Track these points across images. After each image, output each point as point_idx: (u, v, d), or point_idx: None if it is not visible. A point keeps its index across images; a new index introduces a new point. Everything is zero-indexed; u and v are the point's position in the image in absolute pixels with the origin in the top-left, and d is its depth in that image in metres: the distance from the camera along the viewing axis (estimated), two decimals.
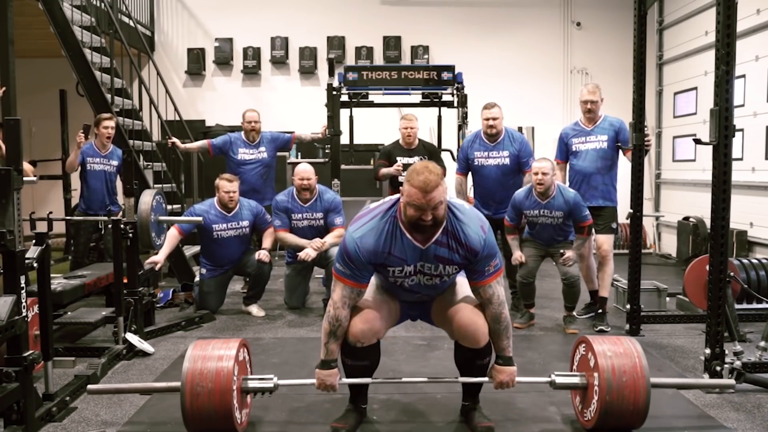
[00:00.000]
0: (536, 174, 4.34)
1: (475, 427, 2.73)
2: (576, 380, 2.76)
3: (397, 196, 2.57)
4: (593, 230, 4.59)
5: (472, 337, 2.64)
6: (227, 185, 4.85)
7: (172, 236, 4.72)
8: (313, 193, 4.94)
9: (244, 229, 4.94)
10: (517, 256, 4.51)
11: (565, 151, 4.77)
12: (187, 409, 2.57)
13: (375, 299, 2.72)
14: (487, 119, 4.81)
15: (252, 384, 2.75)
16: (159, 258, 4.56)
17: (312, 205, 4.94)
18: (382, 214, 2.55)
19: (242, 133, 5.55)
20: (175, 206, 6.54)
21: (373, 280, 2.77)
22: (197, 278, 5.13)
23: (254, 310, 4.91)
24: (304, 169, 4.95)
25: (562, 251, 4.39)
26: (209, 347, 2.68)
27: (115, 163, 5.46)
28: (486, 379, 2.72)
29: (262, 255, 4.84)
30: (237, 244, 4.93)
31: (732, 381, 2.97)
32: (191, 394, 2.55)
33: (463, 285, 2.75)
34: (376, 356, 2.78)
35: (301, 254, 4.76)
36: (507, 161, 4.81)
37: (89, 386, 2.83)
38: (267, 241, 4.99)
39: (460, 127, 6.17)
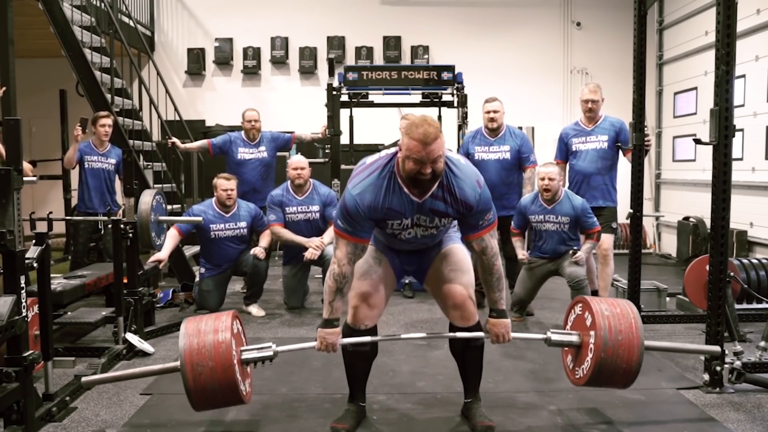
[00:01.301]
0: (542, 179, 4.35)
1: (476, 426, 2.73)
2: (572, 338, 2.79)
3: (393, 150, 2.59)
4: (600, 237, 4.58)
5: (462, 315, 2.71)
6: (225, 183, 4.87)
7: (172, 236, 4.76)
8: (307, 185, 4.96)
9: (242, 230, 4.94)
10: (521, 255, 4.52)
11: (564, 151, 4.77)
12: (191, 388, 2.53)
13: (373, 277, 2.72)
14: (488, 112, 4.82)
15: (251, 355, 2.70)
16: (162, 255, 4.61)
17: (307, 198, 4.96)
18: (380, 170, 2.55)
19: (242, 132, 5.56)
20: (175, 206, 6.54)
21: (371, 245, 2.78)
22: (197, 278, 5.14)
23: (254, 310, 4.91)
24: (298, 160, 5.01)
25: (573, 250, 4.38)
26: (202, 323, 2.64)
27: (113, 161, 5.44)
28: (482, 334, 2.73)
29: (257, 251, 4.85)
30: (235, 244, 4.94)
31: (717, 348, 2.98)
32: (193, 374, 2.51)
33: (457, 254, 2.77)
34: (375, 343, 2.81)
35: (307, 254, 4.78)
36: (508, 156, 4.82)
37: (83, 379, 2.78)
38: (264, 240, 4.99)
39: (460, 127, 6.17)
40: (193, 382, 2.52)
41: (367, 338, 2.71)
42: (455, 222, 2.83)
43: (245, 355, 2.69)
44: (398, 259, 2.84)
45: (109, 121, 5.36)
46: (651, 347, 2.80)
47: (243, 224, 4.94)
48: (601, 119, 4.66)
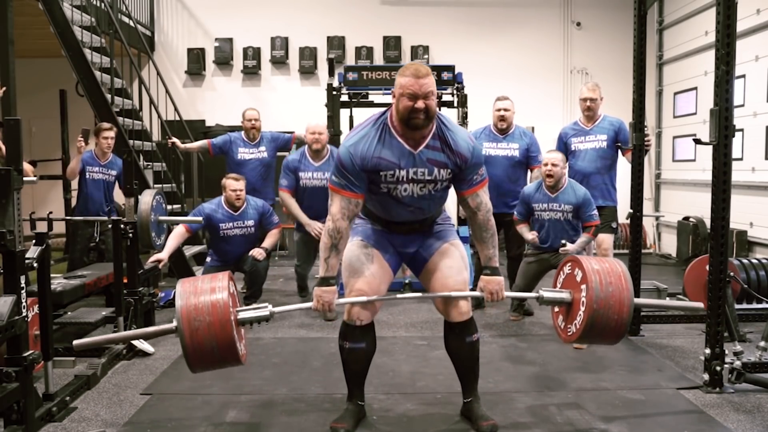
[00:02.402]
0: (546, 165, 4.33)
1: (480, 426, 2.73)
2: (563, 295, 2.77)
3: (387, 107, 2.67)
4: (597, 233, 4.55)
5: (458, 312, 2.70)
6: (234, 184, 4.88)
7: (179, 234, 4.76)
8: (324, 150, 4.95)
9: (250, 229, 4.96)
10: (531, 236, 4.44)
11: (563, 151, 4.77)
12: (188, 346, 2.48)
13: (366, 274, 2.70)
14: (499, 110, 4.84)
15: (247, 314, 2.65)
16: (163, 256, 4.60)
17: (325, 164, 4.93)
18: (373, 122, 2.63)
19: (242, 132, 5.56)
20: (175, 206, 6.54)
21: (361, 241, 2.76)
22: (203, 269, 5.13)
23: None
24: (316, 124, 4.97)
25: (563, 241, 4.32)
26: (198, 282, 2.61)
27: (114, 172, 5.44)
28: (479, 293, 2.72)
29: (256, 253, 4.86)
30: (243, 242, 4.95)
31: (700, 304, 3.00)
32: (190, 329, 2.46)
33: (456, 252, 2.78)
34: (373, 340, 2.79)
35: (313, 233, 4.81)
36: (516, 153, 4.84)
37: (75, 342, 2.70)
38: (268, 241, 5.00)
39: None
40: (190, 339, 2.46)
41: (363, 298, 2.68)
42: (453, 220, 2.82)
43: (242, 315, 2.64)
44: (393, 246, 2.80)
45: (111, 133, 5.38)
46: (640, 304, 2.80)
47: (251, 222, 4.95)
48: (600, 118, 4.66)
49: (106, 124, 5.44)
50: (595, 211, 4.37)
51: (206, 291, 2.53)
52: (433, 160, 2.60)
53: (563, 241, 4.32)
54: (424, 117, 2.51)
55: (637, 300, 2.71)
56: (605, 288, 2.61)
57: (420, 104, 2.48)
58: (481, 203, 2.68)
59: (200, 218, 4.78)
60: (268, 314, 2.64)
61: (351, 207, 2.63)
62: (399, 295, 3.02)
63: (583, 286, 2.66)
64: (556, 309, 2.88)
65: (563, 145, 4.78)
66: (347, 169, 2.58)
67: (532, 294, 2.86)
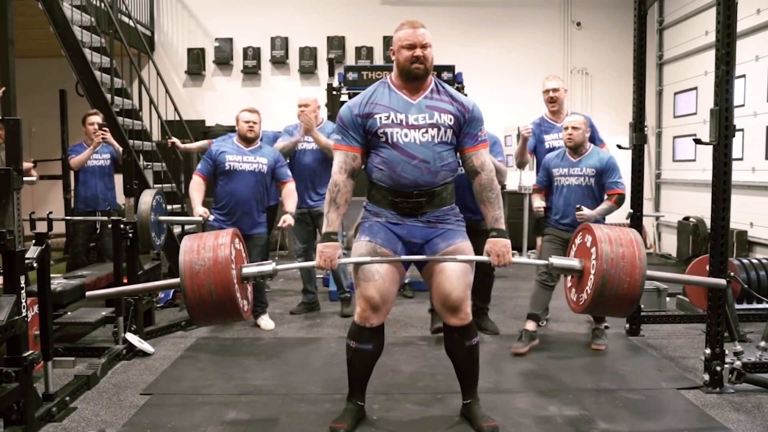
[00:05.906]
0: (566, 128, 4.07)
1: (481, 427, 2.72)
2: (573, 263, 2.71)
3: None
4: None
5: (457, 316, 2.68)
6: (247, 115, 4.39)
7: (197, 184, 4.36)
8: (319, 119, 4.85)
9: (262, 167, 4.38)
10: (537, 204, 4.22)
11: (533, 149, 4.56)
12: (190, 299, 2.49)
13: (376, 278, 2.67)
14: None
15: (251, 269, 2.66)
16: (202, 210, 4.26)
17: (320, 129, 4.75)
18: (374, 85, 2.79)
19: None
20: (175, 206, 6.54)
21: (369, 242, 2.71)
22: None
23: (263, 322, 4.55)
24: (306, 96, 4.82)
25: (578, 206, 3.97)
26: (201, 239, 2.60)
27: (107, 156, 5.50)
28: (487, 258, 2.67)
29: (285, 223, 4.28)
30: (252, 182, 4.37)
31: (723, 281, 2.92)
32: (191, 283, 2.47)
33: (463, 253, 2.71)
34: (380, 342, 2.77)
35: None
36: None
37: (88, 293, 2.76)
38: (290, 203, 4.41)
39: None
40: (192, 290, 2.48)
41: (367, 258, 2.66)
42: (461, 222, 2.79)
43: (245, 270, 2.65)
44: (400, 240, 2.73)
45: (97, 118, 5.41)
46: (652, 277, 2.69)
47: (264, 161, 4.39)
48: (567, 114, 4.45)
49: (91, 111, 5.47)
50: (621, 179, 4.04)
51: (209, 248, 2.54)
52: (432, 106, 2.67)
53: (578, 206, 3.97)
54: (423, 66, 2.63)
55: (650, 272, 2.60)
56: (615, 248, 2.54)
57: (419, 52, 2.62)
58: (485, 162, 2.71)
59: (199, 219, 4.69)
60: (271, 270, 2.66)
61: (348, 161, 2.70)
62: (404, 257, 2.76)
63: (593, 249, 2.59)
64: (569, 284, 2.81)
65: (538, 144, 4.58)
66: (344, 121, 2.71)
67: (542, 261, 2.77)
